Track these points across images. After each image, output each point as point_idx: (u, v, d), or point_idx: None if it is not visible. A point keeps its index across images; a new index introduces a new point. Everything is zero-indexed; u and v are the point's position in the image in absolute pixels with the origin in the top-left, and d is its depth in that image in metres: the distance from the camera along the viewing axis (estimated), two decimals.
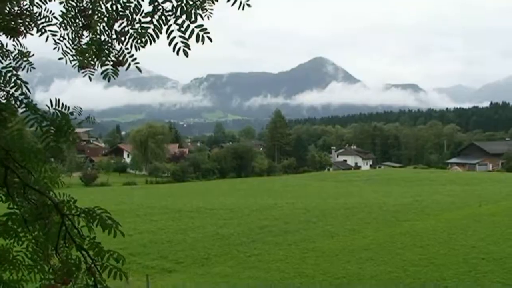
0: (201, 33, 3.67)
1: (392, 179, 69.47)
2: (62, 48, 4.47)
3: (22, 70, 4.65)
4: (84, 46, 4.37)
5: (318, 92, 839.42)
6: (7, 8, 4.30)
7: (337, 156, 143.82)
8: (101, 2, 4.17)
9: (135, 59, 4.16)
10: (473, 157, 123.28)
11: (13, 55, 4.65)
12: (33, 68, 4.71)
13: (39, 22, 4.41)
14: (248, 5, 3.73)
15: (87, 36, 4.37)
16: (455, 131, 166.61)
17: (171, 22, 3.73)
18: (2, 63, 4.58)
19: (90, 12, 4.25)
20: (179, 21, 3.70)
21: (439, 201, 41.45)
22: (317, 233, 27.75)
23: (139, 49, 4.06)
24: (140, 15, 3.94)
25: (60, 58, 4.49)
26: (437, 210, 35.55)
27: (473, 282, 17.87)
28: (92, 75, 4.46)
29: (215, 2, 3.94)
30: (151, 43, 3.94)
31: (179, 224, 31.67)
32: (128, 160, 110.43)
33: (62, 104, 3.49)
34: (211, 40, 3.65)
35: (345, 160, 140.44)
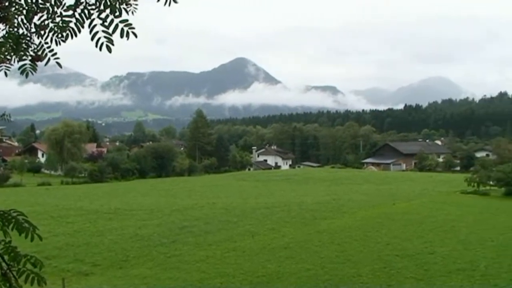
0: (125, 28, 3.56)
1: (310, 179, 70.98)
2: None
3: None
4: (0, 40, 4.13)
5: (240, 92, 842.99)
6: None
7: (258, 156, 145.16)
8: None
9: (55, 54, 3.97)
10: (387, 157, 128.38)
11: None
12: None
13: None
14: (175, 2, 3.67)
15: (3, 29, 4.13)
16: (371, 132, 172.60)
17: (94, 16, 3.60)
18: None
19: (7, 3, 4.02)
20: (103, 15, 3.57)
21: (355, 199, 42.70)
22: (237, 233, 27.84)
23: (60, 44, 3.89)
24: (62, 8, 3.77)
25: None
26: (353, 209, 36.60)
27: (387, 278, 18.53)
28: (9, 70, 4.21)
29: None
30: (72, 38, 3.78)
31: (96, 226, 30.79)
32: (43, 159, 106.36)
33: None
34: (136, 36, 3.55)
35: (266, 160, 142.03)
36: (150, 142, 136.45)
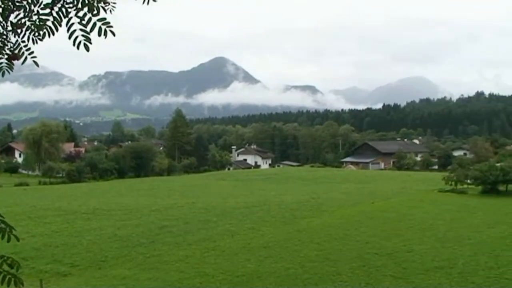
0: (103, 27, 3.52)
1: (290, 178, 71.14)
2: None
3: None
4: None
5: (219, 91, 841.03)
6: None
7: (238, 155, 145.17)
8: None
9: (32, 52, 3.90)
10: (366, 156, 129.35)
11: None
12: None
13: None
14: (154, 0, 3.64)
15: None
16: (350, 131, 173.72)
17: (72, 14, 3.55)
18: None
19: None
20: (81, 14, 3.53)
21: (334, 198, 42.90)
22: (217, 232, 27.78)
23: (37, 42, 3.82)
24: (39, 7, 3.71)
25: None
26: (333, 207, 36.75)
27: (366, 276, 18.65)
28: None
29: None
30: (49, 36, 3.73)
31: (74, 227, 30.46)
32: (20, 159, 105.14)
33: None
34: (114, 35, 3.51)
35: (245, 159, 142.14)
36: (129, 142, 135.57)
